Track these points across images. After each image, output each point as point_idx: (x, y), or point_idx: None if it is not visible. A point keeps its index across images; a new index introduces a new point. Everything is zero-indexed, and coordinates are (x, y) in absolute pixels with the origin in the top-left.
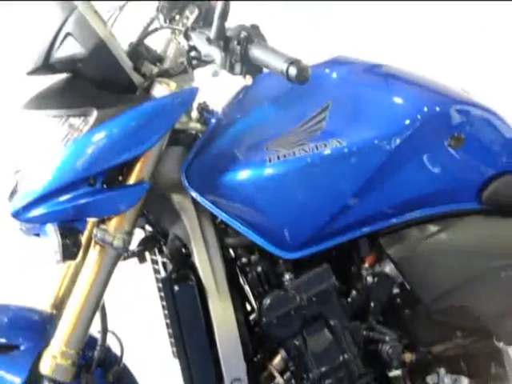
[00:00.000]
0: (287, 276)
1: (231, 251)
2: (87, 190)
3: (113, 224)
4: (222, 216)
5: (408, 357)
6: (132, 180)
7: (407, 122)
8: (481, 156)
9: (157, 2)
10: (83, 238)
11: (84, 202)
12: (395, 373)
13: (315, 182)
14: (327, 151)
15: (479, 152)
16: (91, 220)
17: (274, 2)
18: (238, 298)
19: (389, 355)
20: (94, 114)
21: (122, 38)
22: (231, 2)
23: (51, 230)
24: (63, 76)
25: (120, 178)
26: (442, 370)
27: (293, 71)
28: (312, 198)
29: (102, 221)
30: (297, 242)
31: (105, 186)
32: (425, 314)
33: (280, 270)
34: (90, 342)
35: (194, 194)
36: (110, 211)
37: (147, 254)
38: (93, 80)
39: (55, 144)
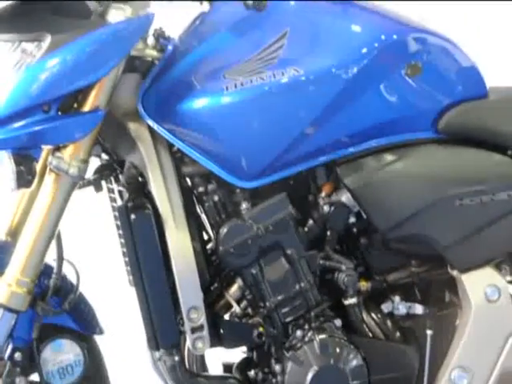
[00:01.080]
0: (244, 205)
1: (188, 180)
2: (41, 117)
3: (68, 152)
4: (179, 144)
5: (363, 285)
6: (87, 107)
7: (364, 50)
8: (437, 85)
9: None
10: (38, 166)
11: (38, 129)
12: (351, 301)
13: (272, 110)
14: (284, 79)
15: (436, 81)
16: (46, 148)
17: None
18: (194, 226)
19: (344, 284)
20: (48, 39)
21: None
22: None
23: (5, 157)
24: (15, 1)
25: (75, 105)
26: (397, 298)
27: None
28: (269, 127)
29: (57, 148)
30: (254, 170)
31: (59, 113)
32: (381, 243)
33: (237, 199)
34: (46, 271)
35: (151, 122)
36: (65, 139)
37: (103, 183)
38: (47, 5)
39: (7, 70)
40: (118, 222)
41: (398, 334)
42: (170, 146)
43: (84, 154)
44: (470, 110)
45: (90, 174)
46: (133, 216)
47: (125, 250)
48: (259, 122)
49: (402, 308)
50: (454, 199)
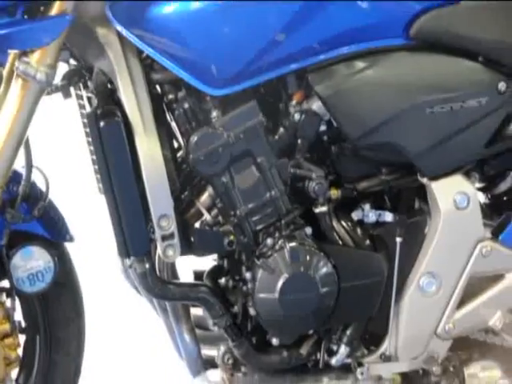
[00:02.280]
0: (214, 113)
1: (158, 87)
2: (7, 20)
3: (35, 57)
4: (148, 51)
5: (334, 193)
6: (54, 11)
7: None
8: None
9: None
10: (4, 71)
11: (4, 33)
12: (321, 209)
13: (243, 16)
14: None
15: None
16: (13, 52)
17: None
18: (165, 134)
19: (315, 192)
20: None
21: None
22: None
23: None
24: None
25: (42, 8)
26: (367, 206)
27: None
28: (239, 33)
29: (24, 53)
30: (224, 78)
31: (26, 17)
32: (351, 151)
33: (207, 107)
34: (15, 178)
35: (119, 28)
36: (32, 43)
37: (72, 89)
38: None
39: None
40: (87, 130)
41: (367, 241)
42: (140, 52)
43: (51, 59)
44: (442, 15)
45: (58, 80)
46: (102, 123)
47: (94, 157)
48: (229, 28)
49: (371, 216)
50: (425, 107)
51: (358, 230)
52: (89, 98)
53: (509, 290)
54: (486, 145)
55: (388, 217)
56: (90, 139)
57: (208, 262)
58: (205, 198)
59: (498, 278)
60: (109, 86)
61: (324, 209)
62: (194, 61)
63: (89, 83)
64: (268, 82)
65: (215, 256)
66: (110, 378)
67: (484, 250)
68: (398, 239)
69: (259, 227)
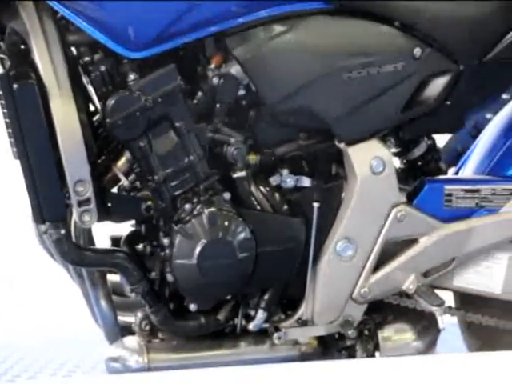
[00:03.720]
0: (132, 76)
1: (73, 49)
2: None
3: None
4: (63, 11)
5: (252, 158)
6: None
7: None
8: None
9: None
10: None
11: None
12: (239, 174)
13: None
14: None
15: None
16: None
17: None
18: (81, 98)
19: (233, 157)
20: None
21: None
22: None
23: None
24: None
25: None
26: (285, 171)
27: None
28: None
29: None
30: (141, 40)
31: None
32: (270, 116)
33: (124, 70)
34: None
35: None
36: None
37: None
38: None
39: None
40: (0, 92)
41: (285, 206)
42: (55, 12)
43: None
44: None
45: None
46: (15, 85)
47: (7, 121)
48: None
49: (289, 181)
50: (342, 71)
51: (276, 195)
52: (1, 59)
53: (422, 254)
54: (402, 110)
55: (305, 182)
56: (2, 101)
57: (125, 228)
58: (122, 162)
59: (411, 242)
60: (22, 46)
61: (242, 174)
62: (110, 23)
63: (1, 44)
64: (186, 46)
65: (132, 221)
66: (25, 344)
67: (399, 215)
68: (316, 204)
69: (177, 192)
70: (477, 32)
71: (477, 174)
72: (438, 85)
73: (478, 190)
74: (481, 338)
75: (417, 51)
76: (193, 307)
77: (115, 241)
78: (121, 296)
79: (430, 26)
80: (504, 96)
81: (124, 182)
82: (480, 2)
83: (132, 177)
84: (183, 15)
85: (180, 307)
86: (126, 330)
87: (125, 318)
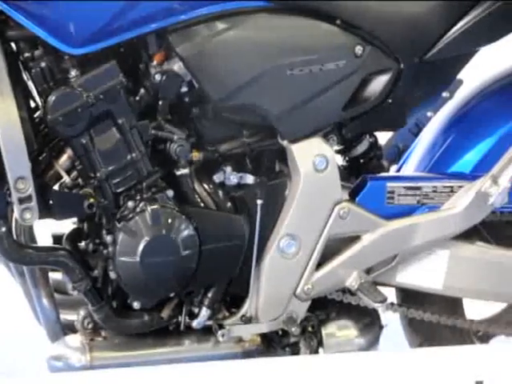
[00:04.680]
0: (73, 72)
1: (13, 44)
2: None
3: None
4: (2, 6)
5: (195, 155)
6: None
7: None
8: None
9: None
10: None
11: None
12: (183, 171)
13: None
14: None
15: None
16: None
17: None
18: (21, 94)
19: (176, 154)
20: None
21: None
22: None
23: None
24: None
25: None
26: (229, 168)
27: None
28: None
29: None
30: (82, 36)
31: None
32: (213, 113)
33: (65, 66)
34: None
35: None
36: None
37: None
38: None
39: None
40: None
41: (229, 203)
42: None
43: None
44: None
45: None
46: None
47: None
48: None
49: (233, 178)
50: (285, 69)
51: (220, 193)
52: None
53: (365, 250)
54: (344, 108)
55: (249, 179)
56: None
57: (67, 226)
58: (64, 159)
59: (354, 239)
60: None
61: (186, 171)
62: (51, 18)
63: None
64: (128, 42)
65: (75, 219)
66: None
67: (341, 212)
68: (259, 201)
69: (120, 189)
70: (417, 31)
71: (418, 171)
72: (379, 83)
73: (419, 188)
74: (422, 334)
75: (358, 49)
76: (136, 305)
77: (57, 238)
78: (63, 294)
79: (372, 24)
80: (444, 94)
81: (66, 179)
82: (420, 2)
83: (74, 174)
84: (124, 11)
85: (123, 305)
86: (69, 329)
87: (67, 317)
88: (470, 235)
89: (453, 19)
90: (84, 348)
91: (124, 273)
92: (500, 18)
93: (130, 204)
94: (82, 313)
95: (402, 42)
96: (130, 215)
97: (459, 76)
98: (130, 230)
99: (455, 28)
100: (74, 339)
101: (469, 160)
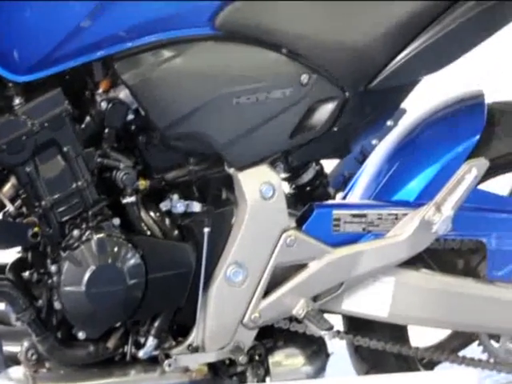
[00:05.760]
0: (17, 100)
1: None
2: None
3: None
4: None
5: (142, 183)
6: None
7: None
8: None
9: None
10: None
11: None
12: (129, 199)
13: (46, 1)
14: None
15: None
16: None
17: None
18: None
19: (123, 182)
20: None
21: None
22: None
23: None
24: None
25: None
26: (175, 196)
27: None
28: (43, 18)
29: None
30: (27, 64)
31: None
32: (159, 141)
33: (9, 94)
34: None
35: None
36: None
37: None
38: None
39: None
40: None
41: (176, 232)
42: None
43: None
44: (246, 6)
45: None
46: None
47: None
48: (32, 13)
49: (179, 206)
50: (231, 97)
51: (167, 221)
52: None
53: (312, 278)
54: (290, 136)
55: (196, 207)
56: None
57: (11, 255)
58: (7, 188)
59: (301, 266)
60: None
61: (132, 199)
62: None
63: None
64: (74, 69)
65: (19, 248)
66: None
67: (288, 240)
68: (206, 229)
69: (65, 218)
70: (361, 60)
71: (364, 199)
72: (325, 111)
73: (364, 215)
74: (369, 362)
75: (304, 78)
76: (81, 335)
77: (0, 268)
78: (6, 325)
79: (316, 53)
80: (388, 123)
81: (10, 207)
82: (364, 30)
83: (18, 202)
84: (69, 39)
85: (68, 335)
86: (12, 360)
87: (10, 348)
88: (414, 262)
89: (397, 49)
90: (28, 380)
91: (69, 303)
92: (443, 48)
93: (76, 233)
94: (26, 344)
95: (346, 71)
96: (76, 244)
97: (403, 105)
98: (76, 259)
99: (399, 57)
100: (18, 371)
101: (413, 188)
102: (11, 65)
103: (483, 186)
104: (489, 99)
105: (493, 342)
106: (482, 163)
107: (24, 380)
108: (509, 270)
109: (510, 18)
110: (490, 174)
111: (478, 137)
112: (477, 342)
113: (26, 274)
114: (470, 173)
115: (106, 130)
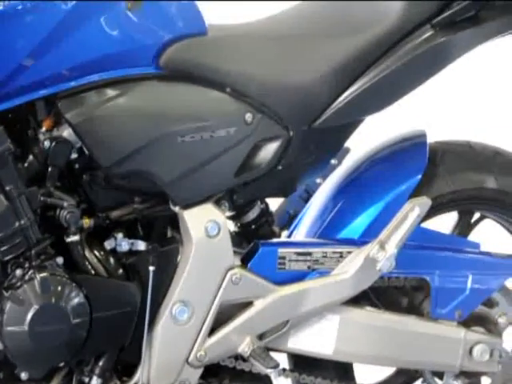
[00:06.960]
0: None
1: None
2: None
3: None
4: None
5: (86, 222)
6: None
7: None
8: (157, 20)
9: None
10: None
11: None
12: (73, 238)
13: None
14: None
15: (156, 15)
16: None
17: None
18: None
19: (66, 221)
20: None
21: None
22: None
23: None
24: None
25: None
26: (120, 235)
27: None
28: None
29: None
30: None
31: None
32: (103, 179)
33: None
34: None
35: None
36: None
37: None
38: None
39: None
40: None
41: (120, 270)
42: None
43: None
44: (191, 46)
45: None
46: None
47: None
48: None
49: (124, 244)
50: (176, 136)
51: (111, 259)
52: None
53: (257, 316)
54: (235, 174)
55: (141, 245)
56: None
57: None
58: None
59: (247, 305)
60: None
61: (76, 238)
62: None
63: None
64: (17, 108)
65: None
66: None
67: (234, 278)
68: (151, 268)
69: (8, 257)
70: (305, 99)
71: (309, 237)
72: (269, 150)
73: (309, 253)
74: None
75: (248, 117)
76: (24, 375)
77: None
78: None
79: (260, 92)
80: (333, 161)
81: None
82: (308, 70)
83: None
84: (12, 77)
85: (11, 376)
86: None
87: None
88: (359, 300)
89: (340, 88)
90: None
91: (11, 343)
92: (386, 88)
93: (19, 272)
94: None
95: (290, 110)
96: (18, 283)
97: (346, 144)
98: (18, 299)
99: (342, 97)
100: None
101: (357, 226)
102: None
103: (426, 225)
104: (430, 138)
105: (436, 380)
106: (424, 202)
107: None
108: (452, 308)
109: (456, 56)
110: (432, 212)
111: (420, 175)
112: (421, 380)
113: None
114: (413, 211)
115: (50, 169)
